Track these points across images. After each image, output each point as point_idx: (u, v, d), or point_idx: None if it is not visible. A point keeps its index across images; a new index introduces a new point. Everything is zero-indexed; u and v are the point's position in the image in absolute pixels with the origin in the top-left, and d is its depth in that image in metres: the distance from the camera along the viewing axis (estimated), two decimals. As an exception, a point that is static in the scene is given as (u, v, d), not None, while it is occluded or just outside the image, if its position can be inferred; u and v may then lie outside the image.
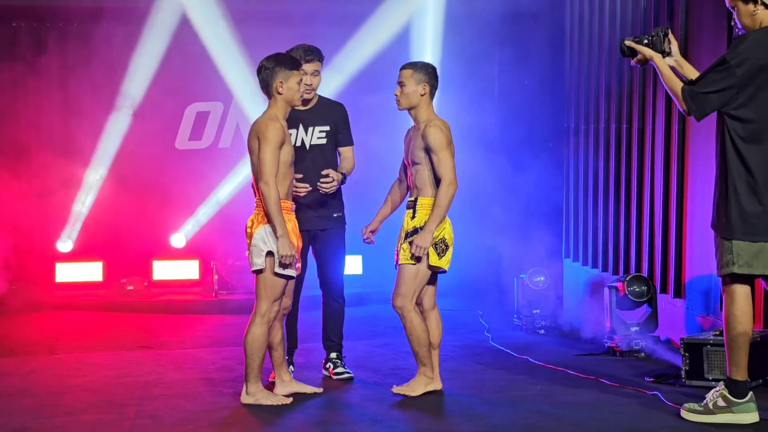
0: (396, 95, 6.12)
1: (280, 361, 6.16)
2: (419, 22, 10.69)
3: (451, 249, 6.15)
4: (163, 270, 10.95)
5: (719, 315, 6.44)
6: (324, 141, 6.62)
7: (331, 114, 6.68)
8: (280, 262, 5.83)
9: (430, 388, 6.10)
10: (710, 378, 6.18)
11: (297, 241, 5.97)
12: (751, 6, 5.23)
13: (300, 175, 6.26)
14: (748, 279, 5.30)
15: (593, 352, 7.55)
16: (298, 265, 6.00)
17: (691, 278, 7.27)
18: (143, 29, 10.52)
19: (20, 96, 10.78)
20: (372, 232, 6.44)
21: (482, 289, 10.33)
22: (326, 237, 6.59)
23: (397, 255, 6.13)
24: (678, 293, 7.49)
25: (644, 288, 7.51)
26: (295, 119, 6.39)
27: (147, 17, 10.47)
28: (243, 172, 10.92)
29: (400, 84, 6.09)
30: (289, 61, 6.00)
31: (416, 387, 6.09)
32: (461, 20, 10.69)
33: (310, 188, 6.34)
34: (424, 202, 6.05)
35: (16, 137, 10.76)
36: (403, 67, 6.15)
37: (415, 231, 6.03)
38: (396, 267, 6.13)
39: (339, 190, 6.63)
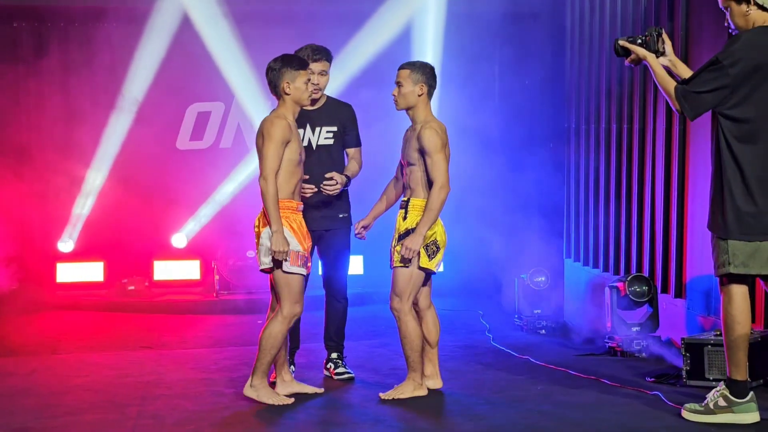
0: (394, 95, 6.12)
1: (281, 360, 6.16)
2: (420, 22, 10.69)
3: (442, 251, 6.12)
4: (164, 270, 10.95)
5: (720, 315, 6.44)
6: (331, 141, 6.62)
7: (339, 114, 6.68)
8: (273, 258, 5.85)
9: (417, 393, 6.08)
10: (711, 378, 6.18)
11: (306, 240, 5.98)
12: (744, 6, 5.24)
13: (307, 176, 6.28)
14: (745, 279, 5.31)
15: (594, 352, 7.55)
16: (309, 264, 6.01)
17: (691, 278, 7.27)
18: (144, 29, 10.52)
19: (21, 96, 10.78)
20: (364, 227, 6.44)
21: (483, 290, 10.34)
22: (331, 237, 6.59)
23: (392, 256, 6.12)
24: (679, 293, 7.49)
25: (645, 288, 7.52)
26: (302, 119, 6.39)
27: (148, 17, 10.47)
28: (244, 172, 10.93)
29: (398, 84, 6.09)
30: (296, 61, 6.01)
31: (404, 391, 6.08)
32: (462, 20, 10.69)
33: (315, 189, 6.36)
34: (416, 203, 6.05)
35: (17, 137, 10.76)
36: (401, 67, 6.14)
37: (407, 233, 6.02)
38: (390, 268, 6.13)
39: (345, 191, 6.64)
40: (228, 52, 10.58)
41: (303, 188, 6.21)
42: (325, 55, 6.57)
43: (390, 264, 6.13)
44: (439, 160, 5.98)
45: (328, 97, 6.73)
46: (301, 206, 6.05)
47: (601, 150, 8.80)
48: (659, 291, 7.66)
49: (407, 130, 6.20)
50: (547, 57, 10.57)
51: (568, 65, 9.61)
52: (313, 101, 6.55)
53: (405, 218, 6.08)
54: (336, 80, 10.18)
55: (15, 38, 10.82)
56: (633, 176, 8.18)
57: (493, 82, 11.24)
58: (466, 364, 7.20)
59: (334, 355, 6.77)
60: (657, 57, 5.50)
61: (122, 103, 10.71)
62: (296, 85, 5.96)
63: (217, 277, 10.52)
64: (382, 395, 6.10)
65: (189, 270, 10.99)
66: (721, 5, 5.35)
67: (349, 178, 6.58)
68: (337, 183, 6.43)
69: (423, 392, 6.11)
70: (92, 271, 10.90)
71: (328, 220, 6.56)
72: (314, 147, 6.56)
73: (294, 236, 5.90)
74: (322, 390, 6.26)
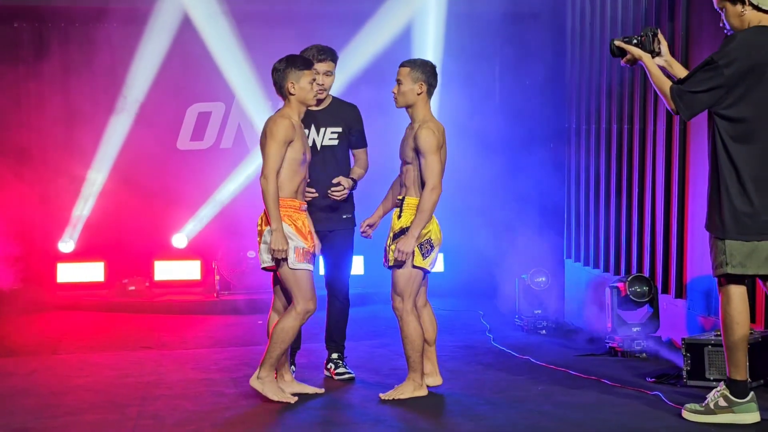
0: (393, 92, 6.11)
1: (282, 360, 6.16)
2: (421, 22, 10.69)
3: (436, 250, 6.10)
4: (164, 270, 10.95)
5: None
6: (335, 142, 6.62)
7: (344, 115, 6.67)
8: (272, 256, 5.85)
9: (417, 393, 6.08)
10: (711, 378, 6.18)
11: (309, 238, 5.99)
12: (739, 7, 5.24)
13: (314, 189, 6.30)
14: (743, 279, 5.32)
15: (594, 352, 7.55)
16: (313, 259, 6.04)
17: (692, 278, 7.27)
18: (145, 29, 10.52)
19: (22, 96, 10.78)
20: (370, 226, 6.42)
21: (483, 290, 10.34)
22: (335, 238, 6.58)
23: (386, 254, 6.11)
24: (679, 293, 7.50)
25: (645, 288, 7.52)
26: (307, 120, 6.38)
27: (148, 18, 10.47)
28: (245, 173, 10.92)
29: (398, 81, 6.08)
30: (300, 61, 6.02)
31: (404, 391, 6.08)
32: (462, 20, 10.70)
33: (317, 195, 6.36)
34: (411, 202, 6.04)
35: (17, 137, 10.76)
36: (402, 65, 6.13)
37: (402, 232, 6.02)
38: (385, 266, 6.12)
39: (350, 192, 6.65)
40: (228, 52, 10.58)
41: (306, 191, 6.22)
42: (330, 55, 6.57)
43: (384, 262, 6.11)
44: (433, 162, 5.95)
45: (333, 97, 6.73)
46: (305, 206, 6.05)
47: (601, 150, 8.80)
48: (660, 291, 7.66)
49: (407, 129, 6.19)
50: (547, 57, 10.57)
51: (568, 65, 9.61)
52: (318, 101, 6.55)
53: (399, 217, 6.08)
54: (337, 80, 10.17)
55: (15, 38, 10.82)
56: (633, 176, 8.19)
57: (493, 82, 11.25)
58: (467, 364, 7.20)
59: (334, 356, 6.77)
60: (653, 57, 5.51)
61: (123, 104, 10.71)
62: (301, 85, 5.96)
63: (217, 277, 10.52)
64: (383, 395, 6.10)
65: (189, 270, 10.99)
66: (716, 6, 5.36)
67: (355, 182, 6.59)
68: (344, 188, 6.45)
69: (423, 392, 6.11)
70: (93, 272, 10.89)
71: (331, 220, 6.56)
72: (318, 148, 6.56)
73: (297, 233, 5.91)
74: (322, 390, 6.26)
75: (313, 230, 6.12)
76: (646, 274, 7.86)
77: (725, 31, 5.36)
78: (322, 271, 6.78)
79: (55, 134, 10.86)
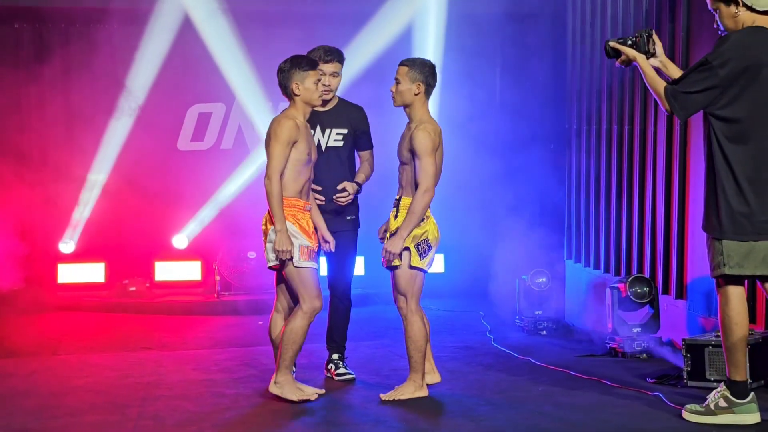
0: (391, 91, 6.11)
1: (279, 349, 6.14)
2: (421, 23, 10.69)
3: (434, 250, 6.09)
4: (165, 271, 10.95)
5: (720, 316, 6.45)
6: (340, 144, 6.61)
7: (350, 117, 6.67)
8: (277, 257, 5.86)
9: (418, 394, 6.07)
10: (712, 379, 6.18)
11: (313, 238, 6.00)
12: (732, 8, 5.26)
13: (320, 188, 6.30)
14: (741, 280, 5.33)
15: (595, 353, 7.55)
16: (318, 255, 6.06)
17: (692, 279, 7.27)
18: (145, 30, 10.52)
19: (22, 97, 10.77)
20: (386, 231, 6.39)
21: (484, 291, 10.33)
22: (338, 239, 6.57)
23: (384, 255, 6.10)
24: (680, 294, 7.49)
25: (646, 289, 7.51)
26: (312, 120, 6.38)
27: (149, 18, 10.47)
28: (245, 173, 10.92)
29: (396, 80, 6.08)
30: (305, 61, 6.01)
31: (404, 392, 6.07)
32: (463, 21, 10.69)
33: (324, 201, 6.38)
34: (407, 202, 6.03)
35: (18, 138, 10.75)
36: (401, 63, 6.11)
37: (397, 232, 6.01)
38: (383, 266, 6.11)
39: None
40: (229, 52, 10.58)
41: (316, 197, 6.24)
42: (337, 56, 6.57)
43: (383, 263, 6.11)
44: (427, 164, 5.94)
45: (339, 98, 6.72)
46: (309, 206, 6.06)
47: (602, 151, 8.80)
48: (660, 292, 7.66)
49: (405, 128, 6.17)
50: (548, 58, 10.58)
51: (569, 66, 9.61)
52: (325, 102, 6.55)
53: (396, 217, 6.08)
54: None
55: (16, 39, 10.82)
56: (634, 177, 8.18)
57: (494, 82, 11.24)
58: (467, 365, 7.20)
59: (335, 356, 6.77)
60: (647, 58, 5.52)
61: (123, 104, 10.71)
62: (306, 85, 5.96)
63: (218, 278, 10.52)
64: (383, 396, 6.10)
65: (190, 271, 10.99)
66: (710, 7, 5.38)
67: (360, 186, 6.59)
68: (349, 194, 6.46)
69: (424, 393, 6.10)
70: (93, 272, 10.89)
71: (335, 221, 6.55)
72: (323, 148, 6.56)
73: (301, 232, 5.91)
74: (322, 391, 6.25)
75: (324, 230, 6.16)
76: (647, 274, 7.85)
77: (719, 32, 5.38)
78: (324, 272, 6.78)
79: (55, 135, 10.86)
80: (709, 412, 5.38)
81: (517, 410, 5.80)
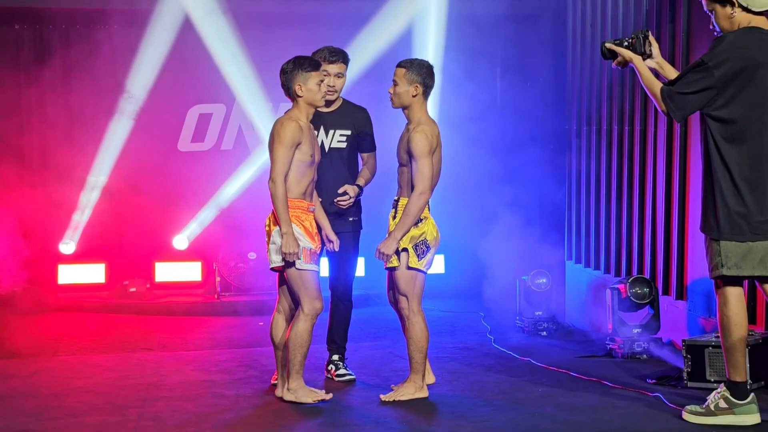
0: (389, 93, 6.10)
1: (284, 362, 6.16)
2: (421, 24, 10.68)
3: (433, 251, 6.08)
4: (165, 272, 10.94)
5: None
6: (344, 145, 6.62)
7: (354, 118, 6.67)
8: (283, 259, 5.86)
9: (418, 395, 6.07)
10: (712, 380, 6.19)
11: (316, 240, 6.00)
12: (728, 9, 5.26)
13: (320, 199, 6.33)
14: (740, 280, 5.33)
15: (595, 353, 7.55)
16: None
17: (693, 280, 7.27)
18: (146, 31, 10.51)
19: (23, 98, 10.77)
20: None
21: (484, 291, 10.33)
22: (341, 239, 6.55)
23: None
24: (680, 295, 7.49)
25: (646, 290, 7.51)
26: (316, 121, 6.38)
27: (149, 19, 10.47)
28: (245, 174, 10.92)
29: (394, 82, 6.07)
30: (308, 62, 6.00)
31: (405, 392, 6.07)
32: (463, 21, 10.69)
33: (322, 201, 6.40)
34: (405, 203, 6.03)
35: (18, 139, 10.75)
36: (399, 65, 6.10)
37: None
38: (384, 268, 6.11)
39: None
40: (229, 53, 10.57)
41: (338, 201, 6.31)
42: (341, 57, 6.57)
43: (384, 264, 6.10)
44: (424, 166, 5.93)
45: (344, 100, 6.72)
46: (313, 207, 6.06)
47: (602, 151, 8.80)
48: (660, 293, 7.66)
49: (404, 130, 6.17)
50: (548, 58, 10.57)
51: (569, 67, 9.61)
52: (329, 103, 6.55)
53: (394, 217, 6.08)
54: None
55: (16, 40, 10.82)
56: (634, 178, 8.18)
57: (494, 83, 11.24)
58: (468, 366, 7.20)
59: (335, 357, 6.77)
60: (644, 59, 5.53)
61: (124, 105, 10.70)
62: (309, 86, 5.95)
63: (218, 278, 10.52)
64: (383, 397, 6.10)
65: (190, 272, 10.98)
66: (705, 8, 5.39)
67: (361, 188, 6.59)
68: (350, 197, 6.46)
69: (424, 394, 6.10)
70: (93, 273, 10.89)
71: (337, 222, 6.55)
72: (327, 149, 6.56)
73: (305, 234, 5.91)
74: (323, 392, 6.25)
75: (329, 229, 6.18)
76: (647, 275, 7.85)
77: (715, 33, 5.39)
78: (325, 273, 6.78)
79: (56, 135, 10.85)
80: (709, 413, 5.38)
81: (518, 411, 5.80)
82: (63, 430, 5.56)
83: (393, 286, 6.12)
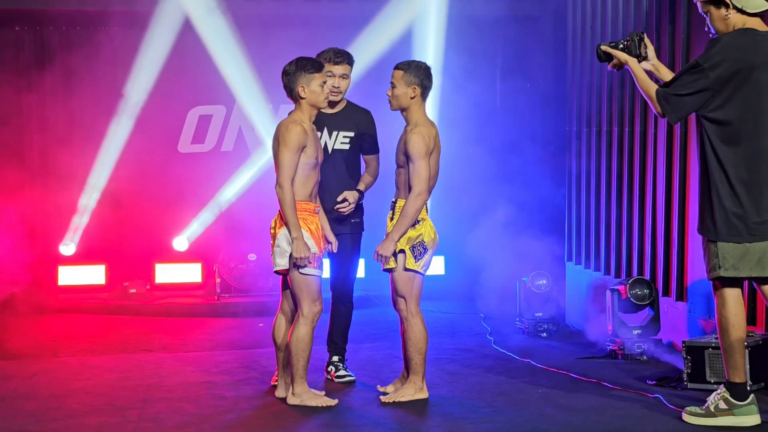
0: (388, 95, 6.10)
1: (285, 363, 6.16)
2: (421, 25, 10.68)
3: (431, 252, 6.07)
4: (165, 273, 10.94)
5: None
6: (347, 147, 6.62)
7: (357, 120, 6.67)
8: (294, 263, 5.85)
9: (418, 396, 6.07)
10: (712, 381, 6.19)
11: (322, 243, 5.99)
12: (723, 10, 5.27)
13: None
14: (737, 282, 5.33)
15: (595, 355, 7.55)
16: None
17: (693, 281, 7.27)
18: (146, 33, 10.51)
19: (23, 99, 10.77)
20: None
21: (484, 293, 10.33)
22: (342, 241, 6.57)
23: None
24: (680, 296, 7.49)
25: (646, 291, 7.51)
26: (320, 123, 6.38)
27: (150, 21, 10.47)
28: (246, 176, 10.92)
29: (392, 84, 6.07)
30: (311, 64, 5.98)
31: (405, 394, 6.07)
32: (463, 23, 10.69)
33: (346, 210, 6.45)
34: (403, 205, 6.03)
35: (18, 140, 10.75)
36: (396, 67, 6.10)
37: None
38: (382, 269, 6.11)
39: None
40: (229, 55, 10.57)
41: (339, 208, 6.32)
42: (346, 58, 6.58)
43: (381, 266, 6.10)
44: (421, 167, 5.93)
45: (348, 101, 6.73)
46: (318, 208, 6.06)
47: (602, 153, 8.80)
48: (660, 294, 7.66)
49: (403, 132, 6.16)
50: (548, 60, 10.57)
51: (569, 68, 9.61)
52: (333, 105, 6.56)
53: (392, 219, 6.08)
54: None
55: (17, 42, 10.82)
56: (634, 179, 8.18)
57: (494, 84, 11.24)
58: (468, 367, 7.19)
59: (335, 358, 6.77)
60: (639, 61, 5.54)
61: (124, 107, 10.70)
62: (312, 88, 5.94)
63: (218, 280, 10.52)
64: (383, 398, 6.10)
65: (190, 273, 10.98)
66: (700, 10, 5.39)
67: (362, 193, 6.59)
68: (350, 203, 6.46)
69: (424, 395, 6.10)
70: (94, 274, 10.89)
71: (339, 224, 6.55)
72: (330, 151, 6.56)
73: (311, 238, 5.91)
74: (322, 393, 6.25)
75: (328, 230, 6.19)
76: (647, 276, 7.85)
77: (710, 34, 5.39)
78: (326, 274, 6.78)
79: (56, 137, 10.84)
80: (709, 414, 5.38)
81: (518, 412, 5.80)
82: (63, 431, 5.57)
83: (392, 287, 6.12)
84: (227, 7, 10.40)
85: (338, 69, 6.52)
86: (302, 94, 5.94)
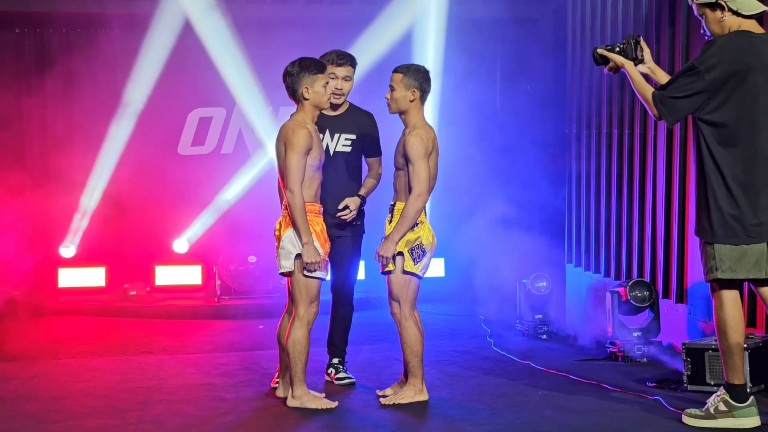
0: (387, 98, 6.10)
1: (285, 364, 6.15)
2: (421, 27, 10.69)
3: (429, 255, 6.07)
4: (165, 275, 10.95)
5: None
6: (348, 149, 6.62)
7: (359, 123, 6.67)
8: (305, 268, 5.84)
9: (418, 398, 6.07)
10: (712, 383, 6.19)
11: (326, 245, 5.99)
12: (718, 13, 5.28)
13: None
14: (735, 283, 5.33)
15: (595, 357, 7.55)
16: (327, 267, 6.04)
17: (693, 283, 7.27)
18: (146, 35, 10.52)
19: (23, 101, 10.78)
20: None
21: (484, 294, 10.34)
22: (343, 243, 6.58)
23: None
24: (680, 298, 7.50)
25: (646, 293, 7.52)
26: (322, 125, 6.38)
27: (150, 23, 10.48)
28: (246, 178, 10.93)
29: (391, 87, 6.07)
30: (314, 64, 5.97)
31: (404, 396, 6.07)
32: (463, 25, 10.70)
33: (348, 216, 6.46)
34: (401, 208, 6.02)
35: (18, 142, 10.76)
36: (395, 70, 6.10)
37: None
38: (380, 271, 6.11)
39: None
40: (229, 57, 10.58)
41: (340, 215, 6.33)
42: (349, 60, 6.58)
43: (380, 268, 6.10)
44: (420, 169, 5.93)
45: (350, 104, 6.73)
46: (322, 209, 6.05)
47: (602, 155, 8.80)
48: (660, 296, 7.66)
49: (401, 135, 6.17)
50: (548, 62, 10.58)
51: (569, 70, 9.62)
52: (335, 107, 6.56)
53: (390, 222, 6.08)
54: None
55: (17, 44, 10.83)
56: (634, 181, 8.19)
57: (494, 86, 11.25)
58: (468, 369, 7.20)
59: (335, 360, 6.77)
60: (635, 64, 5.55)
61: (124, 109, 10.71)
62: (315, 89, 5.93)
63: (218, 282, 10.52)
64: (383, 400, 6.10)
65: (190, 275, 10.99)
66: (696, 13, 5.40)
67: (363, 198, 6.59)
68: (351, 210, 6.46)
69: (424, 397, 6.10)
70: (94, 276, 10.89)
71: (340, 226, 6.55)
72: (331, 153, 6.56)
73: (317, 240, 5.91)
74: (322, 395, 6.25)
75: (326, 236, 6.17)
76: (647, 278, 7.86)
77: (706, 37, 5.40)
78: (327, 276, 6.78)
79: (56, 138, 10.85)
80: (709, 416, 5.38)
81: (518, 414, 5.80)
82: (63, 434, 5.57)
83: (387, 290, 6.11)
84: (227, 8, 10.41)
85: (341, 71, 6.52)
86: (306, 95, 5.93)
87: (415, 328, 6.05)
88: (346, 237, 6.60)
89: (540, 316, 8.64)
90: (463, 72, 10.64)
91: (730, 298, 5.33)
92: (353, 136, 6.62)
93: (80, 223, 10.87)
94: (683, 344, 6.38)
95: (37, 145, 10.88)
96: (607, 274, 8.63)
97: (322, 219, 6.05)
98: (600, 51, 5.59)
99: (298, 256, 5.87)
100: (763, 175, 5.24)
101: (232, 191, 10.99)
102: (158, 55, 10.57)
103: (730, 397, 5.33)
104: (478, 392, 6.41)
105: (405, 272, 6.00)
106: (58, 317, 10.01)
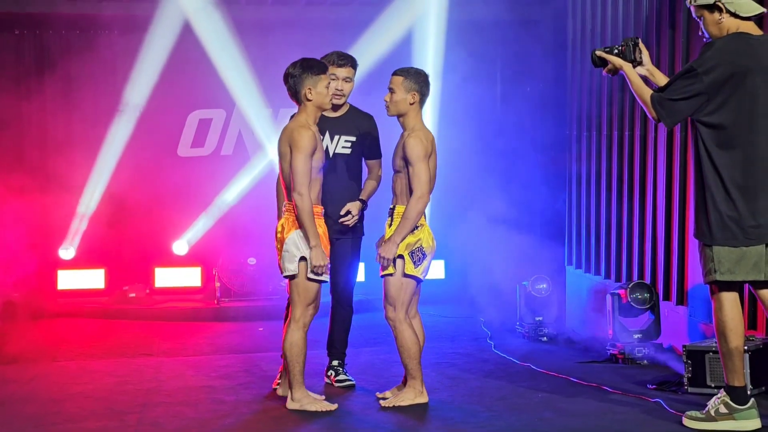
0: (386, 101, 6.09)
1: (286, 366, 6.14)
2: (421, 29, 10.69)
3: (429, 258, 6.06)
4: (165, 277, 10.95)
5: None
6: (348, 151, 6.61)
7: (359, 125, 6.66)
8: (312, 271, 5.83)
9: (418, 400, 6.06)
10: (712, 385, 6.17)
11: (328, 247, 5.98)
12: (716, 15, 5.28)
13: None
14: (734, 285, 5.33)
15: (596, 359, 7.54)
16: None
17: (693, 285, 7.26)
18: (146, 37, 10.52)
19: (23, 103, 10.78)
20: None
21: (484, 297, 10.33)
22: (342, 245, 6.57)
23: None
24: (680, 300, 7.49)
25: (647, 295, 7.51)
26: (322, 126, 6.37)
27: (149, 25, 10.48)
28: (245, 179, 10.93)
29: (390, 90, 6.06)
30: (316, 65, 5.96)
31: (404, 398, 6.06)
32: (463, 27, 10.70)
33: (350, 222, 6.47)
34: (401, 211, 6.01)
35: (18, 143, 10.77)
36: (395, 73, 6.09)
37: None
38: (380, 274, 6.10)
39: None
40: (229, 59, 10.58)
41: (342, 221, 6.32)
42: (350, 61, 6.57)
43: (380, 271, 6.09)
44: (421, 170, 5.92)
45: (351, 106, 6.72)
46: (324, 210, 6.04)
47: (602, 157, 8.80)
48: (661, 298, 7.66)
49: (399, 138, 6.16)
50: (548, 64, 10.58)
51: (569, 72, 9.61)
52: (336, 108, 6.55)
53: (390, 225, 6.07)
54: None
55: (17, 46, 10.83)
56: (634, 183, 8.18)
57: (494, 88, 11.25)
58: (468, 371, 7.19)
59: (335, 363, 6.76)
60: (634, 66, 5.55)
61: (124, 110, 10.71)
62: (318, 90, 5.91)
63: (218, 284, 10.52)
64: (383, 402, 6.09)
65: (190, 277, 10.99)
66: (694, 15, 5.39)
67: (364, 202, 6.58)
68: (353, 216, 6.45)
69: (424, 399, 6.09)
70: (93, 279, 10.89)
71: (339, 228, 6.54)
72: (331, 155, 6.55)
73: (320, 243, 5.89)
74: (322, 398, 6.24)
75: (328, 238, 6.16)
76: (647, 280, 7.85)
77: (704, 39, 5.39)
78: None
79: (55, 140, 10.86)
80: (709, 418, 5.37)
81: (518, 417, 5.79)
82: (62, 436, 5.56)
83: (383, 293, 6.09)
84: (227, 10, 10.41)
85: (342, 72, 6.52)
86: (309, 96, 5.91)
87: (411, 331, 6.03)
88: (345, 239, 6.59)
89: (540, 319, 8.64)
90: (463, 73, 10.64)
91: (730, 301, 5.32)
92: (353, 138, 6.62)
93: (80, 225, 10.87)
94: (684, 346, 6.37)
95: (36, 147, 10.88)
96: (608, 276, 8.62)
97: (324, 221, 6.04)
98: (598, 53, 5.59)
99: (302, 258, 5.85)
100: (761, 177, 5.24)
101: (232, 193, 10.99)
102: (158, 56, 10.57)
103: (731, 400, 5.32)
104: (478, 394, 6.40)
105: (405, 275, 5.99)
106: (58, 319, 10.01)
